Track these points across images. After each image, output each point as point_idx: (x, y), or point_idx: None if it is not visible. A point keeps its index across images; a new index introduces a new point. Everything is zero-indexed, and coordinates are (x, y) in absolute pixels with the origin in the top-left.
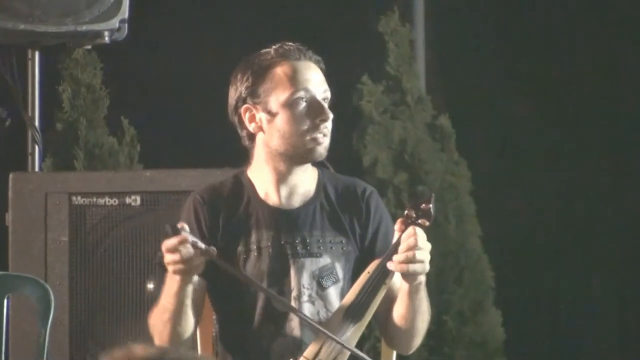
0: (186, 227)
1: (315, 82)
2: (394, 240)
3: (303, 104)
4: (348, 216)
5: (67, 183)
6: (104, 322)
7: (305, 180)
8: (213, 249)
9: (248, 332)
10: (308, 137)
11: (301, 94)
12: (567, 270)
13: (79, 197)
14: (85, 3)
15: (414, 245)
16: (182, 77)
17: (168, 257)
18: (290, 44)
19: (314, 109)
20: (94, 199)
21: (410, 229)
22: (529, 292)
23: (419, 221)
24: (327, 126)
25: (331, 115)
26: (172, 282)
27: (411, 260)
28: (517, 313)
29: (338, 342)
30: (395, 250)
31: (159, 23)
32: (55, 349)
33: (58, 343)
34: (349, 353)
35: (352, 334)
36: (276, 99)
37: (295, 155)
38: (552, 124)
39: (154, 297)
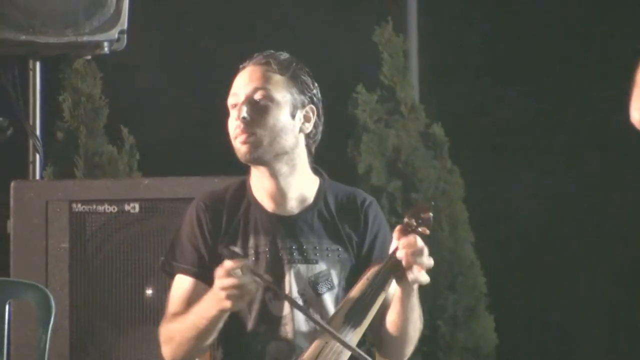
0: (239, 252)
1: (243, 84)
2: (392, 248)
3: (232, 109)
4: (346, 225)
5: (68, 191)
6: (104, 327)
7: (303, 187)
8: (269, 277)
9: (244, 336)
10: (234, 140)
11: (230, 100)
12: (558, 275)
13: (79, 205)
14: (85, 14)
15: (419, 251)
16: (180, 86)
17: (225, 282)
18: (267, 52)
19: (237, 112)
20: (94, 207)
21: (411, 237)
22: (521, 297)
23: (419, 229)
24: (246, 126)
25: (243, 114)
26: (211, 304)
27: (417, 267)
28: (510, 318)
29: (342, 342)
30: (393, 258)
31: (157, 33)
32: (55, 354)
33: (58, 348)
34: (347, 358)
35: (351, 339)
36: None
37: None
38: (544, 131)
39: (152, 302)
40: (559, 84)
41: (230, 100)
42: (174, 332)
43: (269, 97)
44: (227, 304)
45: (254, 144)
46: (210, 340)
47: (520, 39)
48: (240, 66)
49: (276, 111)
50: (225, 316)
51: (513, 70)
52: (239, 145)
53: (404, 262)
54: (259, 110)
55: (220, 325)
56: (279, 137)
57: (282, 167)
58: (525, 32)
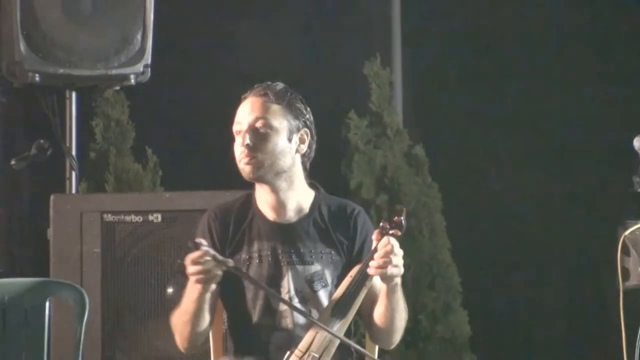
0: (204, 242)
1: (246, 113)
2: (372, 248)
3: (237, 136)
4: (338, 231)
5: (99, 203)
6: (131, 321)
7: (300, 199)
8: (230, 260)
9: (250, 328)
10: (239, 161)
11: (235, 127)
12: (524, 276)
13: (109, 215)
14: (114, 50)
15: (389, 251)
16: (197, 112)
17: (191, 269)
18: (265, 84)
19: (241, 138)
20: (122, 217)
21: (385, 239)
22: (491, 295)
23: (392, 232)
24: (249, 151)
25: (247, 141)
26: (193, 290)
27: (387, 264)
28: (481, 313)
29: (330, 332)
30: (373, 257)
31: (178, 67)
32: (89, 344)
33: (92, 339)
34: (336, 344)
35: (339, 328)
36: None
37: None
38: (512, 152)
39: (173, 300)
40: (528, 113)
41: (235, 128)
42: (175, 319)
43: (268, 125)
44: (199, 286)
45: (256, 165)
46: (203, 325)
47: (491, 72)
48: (242, 96)
49: (275, 137)
50: (207, 298)
51: (486, 99)
52: (244, 166)
53: (375, 266)
54: (260, 137)
55: (206, 307)
56: (278, 159)
57: (282, 184)
58: (495, 66)
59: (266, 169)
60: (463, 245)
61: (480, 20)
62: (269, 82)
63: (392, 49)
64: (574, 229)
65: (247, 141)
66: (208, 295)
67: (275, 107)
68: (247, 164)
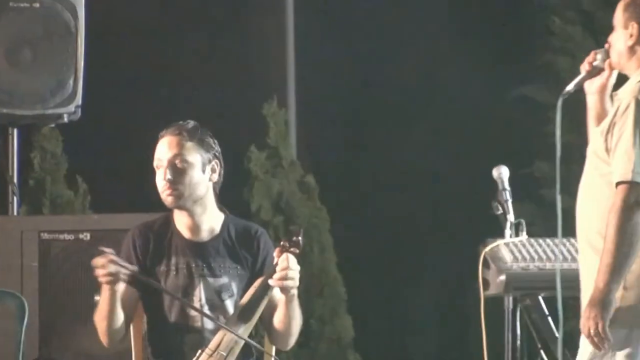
0: (108, 249)
1: (164, 151)
2: (273, 263)
3: (158, 169)
4: (243, 249)
5: (37, 224)
6: (64, 324)
7: (212, 221)
8: (131, 266)
9: (167, 330)
10: (162, 192)
11: (156, 163)
12: (400, 287)
13: (45, 234)
14: (49, 93)
15: (286, 267)
16: (121, 146)
17: (98, 272)
18: (173, 125)
19: (161, 172)
20: (57, 235)
21: (284, 256)
22: (371, 302)
23: (291, 249)
24: (170, 184)
25: (168, 176)
26: (105, 291)
27: (285, 278)
28: (363, 317)
29: (236, 335)
30: (274, 271)
31: (105, 105)
32: (28, 344)
33: (30, 339)
34: (241, 345)
35: (243, 331)
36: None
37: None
38: (387, 179)
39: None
40: (399, 146)
41: (156, 163)
42: (95, 317)
43: (184, 161)
44: (107, 286)
45: (177, 196)
46: (118, 322)
47: (372, 117)
48: (160, 134)
49: (191, 170)
50: (117, 297)
51: (365, 136)
52: (166, 197)
53: (276, 279)
54: (178, 172)
55: (118, 306)
56: (195, 189)
57: (197, 209)
58: (372, 108)
59: (186, 199)
60: (347, 260)
61: (366, 73)
62: (181, 122)
63: (287, 91)
64: (443, 247)
65: (168, 176)
66: (117, 295)
67: (189, 144)
68: (169, 195)
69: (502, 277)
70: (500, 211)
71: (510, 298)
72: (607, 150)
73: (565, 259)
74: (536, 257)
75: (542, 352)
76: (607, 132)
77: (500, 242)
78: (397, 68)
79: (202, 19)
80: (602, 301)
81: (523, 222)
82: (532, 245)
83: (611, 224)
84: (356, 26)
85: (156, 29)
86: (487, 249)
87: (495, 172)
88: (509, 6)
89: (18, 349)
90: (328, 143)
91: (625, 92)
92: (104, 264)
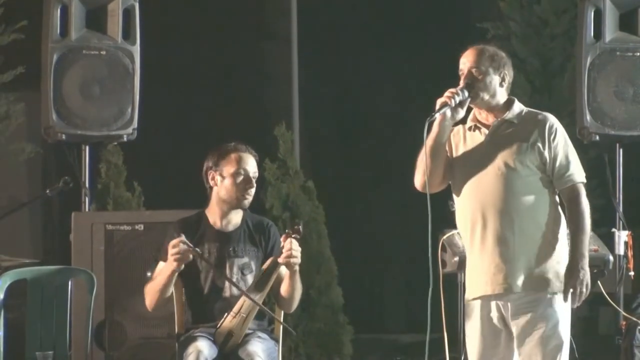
0: (183, 236)
1: (250, 165)
2: (280, 246)
3: (241, 176)
4: (258, 236)
5: (103, 218)
6: (124, 294)
7: (236, 216)
8: (197, 249)
9: (202, 298)
10: (240, 195)
11: (241, 170)
12: (377, 266)
13: (109, 225)
14: (113, 119)
15: (290, 249)
16: (167, 158)
17: (172, 250)
18: (241, 144)
19: (246, 180)
20: (118, 227)
21: (288, 240)
22: (356, 277)
23: (294, 236)
24: (250, 191)
25: (254, 185)
26: (168, 267)
27: (289, 257)
28: (352, 289)
29: (253, 301)
30: (281, 252)
31: (155, 128)
32: (97, 309)
33: (98, 307)
34: (257, 309)
35: (259, 298)
36: (227, 170)
37: (232, 202)
38: (371, 184)
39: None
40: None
41: (240, 170)
42: (149, 287)
43: (255, 178)
44: (175, 263)
45: (250, 200)
46: (168, 293)
47: (362, 133)
48: (239, 149)
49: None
50: (175, 273)
51: (356, 150)
52: (244, 199)
53: (283, 257)
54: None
55: (173, 281)
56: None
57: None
58: (362, 124)
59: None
60: (338, 245)
61: (359, 103)
62: (241, 144)
63: (293, 118)
64: (410, 235)
65: (254, 182)
66: (176, 272)
67: (255, 162)
68: (248, 200)
69: (456, 259)
70: (454, 208)
71: (462, 274)
72: (543, 162)
73: None
74: None
75: None
76: (544, 149)
77: (454, 232)
78: (381, 95)
79: (225, 62)
80: (585, 264)
81: None
82: None
83: (579, 212)
84: (348, 64)
85: (191, 72)
86: (445, 237)
87: None
88: None
89: (88, 315)
90: (324, 157)
91: (527, 118)
92: (177, 245)
